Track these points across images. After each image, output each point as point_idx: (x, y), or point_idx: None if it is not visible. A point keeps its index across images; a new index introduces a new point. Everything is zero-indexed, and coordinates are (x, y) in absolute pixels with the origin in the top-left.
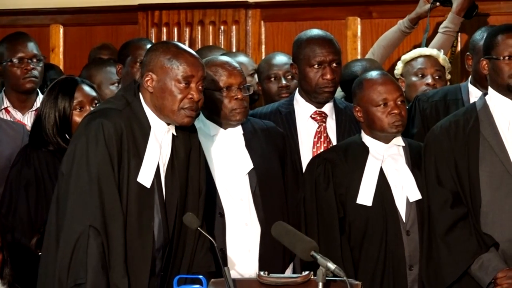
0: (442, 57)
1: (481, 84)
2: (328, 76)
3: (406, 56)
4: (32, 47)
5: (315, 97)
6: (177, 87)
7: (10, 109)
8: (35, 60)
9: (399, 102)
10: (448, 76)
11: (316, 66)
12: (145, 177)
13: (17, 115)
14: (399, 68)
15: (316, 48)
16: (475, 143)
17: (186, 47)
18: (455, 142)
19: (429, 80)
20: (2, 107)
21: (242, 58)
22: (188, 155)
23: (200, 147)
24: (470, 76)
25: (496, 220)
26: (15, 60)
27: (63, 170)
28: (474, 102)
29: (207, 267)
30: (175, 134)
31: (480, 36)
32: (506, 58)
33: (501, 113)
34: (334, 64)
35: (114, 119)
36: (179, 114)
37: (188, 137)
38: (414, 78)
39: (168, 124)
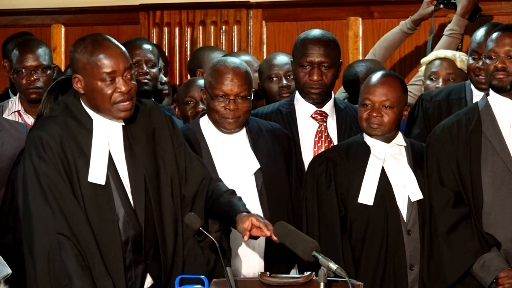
0: (459, 59)
1: (469, 76)
2: (314, 77)
3: (425, 59)
4: (38, 55)
5: (303, 96)
6: (103, 84)
7: (22, 112)
8: (40, 71)
9: (384, 106)
10: None
11: (305, 66)
12: (95, 175)
13: (29, 119)
14: (421, 70)
15: (308, 49)
16: (477, 143)
17: (105, 38)
18: (457, 142)
19: (439, 83)
20: (15, 110)
21: (246, 57)
22: (152, 137)
23: (168, 123)
24: None
25: (498, 220)
26: (22, 71)
27: (18, 192)
28: (477, 102)
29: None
30: (123, 124)
31: (477, 31)
32: (490, 57)
33: (503, 113)
34: (326, 66)
35: (50, 127)
36: (113, 109)
37: (147, 119)
38: (428, 82)
39: None
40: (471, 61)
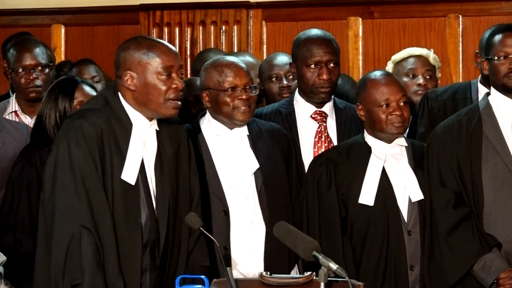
0: (432, 56)
1: (486, 82)
2: (325, 77)
3: (396, 57)
4: (36, 54)
5: (311, 97)
6: (160, 79)
7: (19, 112)
8: (39, 69)
9: (401, 103)
10: (439, 75)
11: (313, 66)
12: (128, 174)
13: (26, 119)
14: (389, 68)
15: (313, 48)
16: (478, 143)
17: (156, 38)
18: (458, 142)
19: (420, 80)
20: (12, 110)
21: (249, 58)
22: (177, 151)
23: (188, 142)
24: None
25: (498, 221)
26: (19, 70)
27: (45, 178)
28: (477, 102)
29: (202, 261)
30: (157, 129)
31: (487, 34)
32: (502, 58)
33: (503, 113)
34: (332, 65)
35: (93, 119)
36: (165, 106)
37: (175, 133)
38: (405, 79)
39: (150, 120)
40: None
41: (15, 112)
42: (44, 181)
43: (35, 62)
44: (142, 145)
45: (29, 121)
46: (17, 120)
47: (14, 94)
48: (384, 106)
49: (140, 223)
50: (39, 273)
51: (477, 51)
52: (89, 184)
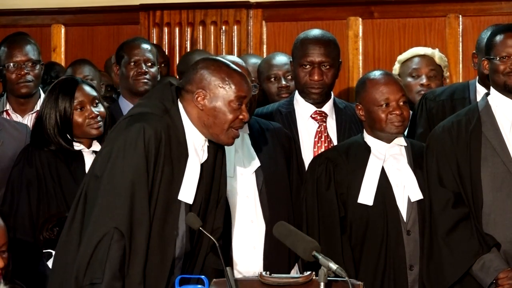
0: (438, 55)
1: (484, 83)
2: (315, 77)
3: (402, 57)
4: (28, 51)
5: (303, 96)
6: (231, 107)
7: (10, 111)
8: (30, 65)
9: (401, 103)
10: (447, 74)
11: (305, 66)
12: (187, 194)
13: (17, 118)
14: (396, 68)
15: (308, 48)
16: (477, 144)
17: (234, 66)
18: (457, 143)
19: (423, 80)
20: (3, 110)
21: (255, 60)
22: (215, 157)
23: (224, 150)
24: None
25: (497, 221)
26: (10, 65)
27: (96, 171)
28: (477, 102)
29: (215, 264)
30: (208, 144)
31: (484, 35)
32: (503, 58)
33: (503, 114)
34: (327, 66)
35: (155, 125)
36: (227, 134)
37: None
38: (409, 79)
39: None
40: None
41: (6, 111)
42: (92, 173)
43: (26, 58)
44: (199, 165)
45: (20, 119)
46: (8, 119)
47: (5, 93)
48: (384, 105)
49: (175, 236)
50: (62, 266)
51: (474, 51)
52: (136, 189)
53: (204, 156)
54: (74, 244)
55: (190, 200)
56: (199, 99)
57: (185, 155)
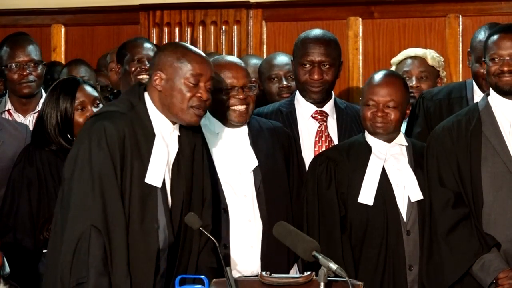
0: (430, 56)
1: (477, 81)
2: (315, 76)
3: (395, 59)
4: (30, 51)
5: (304, 96)
6: (186, 85)
7: (12, 111)
8: (32, 65)
9: (388, 107)
10: (443, 73)
11: (306, 65)
12: (153, 177)
13: (19, 117)
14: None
15: (308, 48)
16: (477, 144)
17: (194, 47)
18: (457, 143)
19: (412, 82)
20: (5, 109)
21: (256, 60)
22: (193, 152)
23: (203, 146)
24: None
25: (498, 221)
26: (12, 65)
27: (65, 174)
28: (477, 102)
29: (209, 263)
30: (179, 134)
31: (478, 34)
32: (493, 59)
33: (502, 114)
34: (327, 66)
35: (117, 122)
36: (188, 112)
37: (192, 135)
38: None
39: (174, 124)
40: (478, 67)
41: (8, 111)
42: (65, 178)
43: (28, 58)
44: (166, 149)
45: (21, 119)
46: (10, 119)
47: (7, 93)
48: (370, 106)
49: (156, 228)
50: (49, 269)
51: (469, 50)
52: (105, 185)
53: (174, 144)
54: (57, 248)
55: (158, 183)
56: (157, 81)
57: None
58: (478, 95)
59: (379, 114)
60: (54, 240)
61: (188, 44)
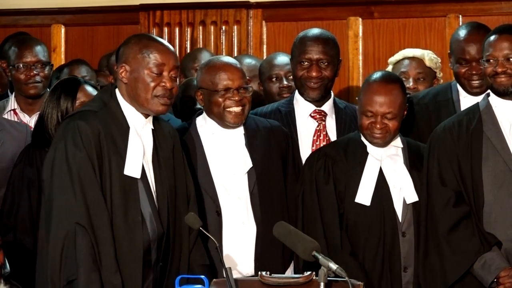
0: (428, 57)
1: (459, 82)
2: (313, 74)
3: (393, 59)
4: (37, 52)
5: (302, 94)
6: (150, 75)
7: (18, 111)
8: (39, 66)
9: (387, 117)
10: (440, 75)
11: (304, 63)
12: (132, 169)
13: (25, 117)
14: (388, 70)
15: (306, 46)
16: (478, 143)
17: (158, 37)
18: (458, 142)
19: (410, 83)
20: (11, 109)
21: (249, 60)
22: (172, 151)
23: (181, 149)
24: None
25: (498, 219)
26: (20, 66)
27: (43, 176)
28: (478, 102)
29: (201, 260)
30: (153, 128)
31: (454, 34)
32: (489, 60)
33: (502, 114)
34: (325, 63)
35: (90, 120)
36: (153, 102)
37: (168, 134)
38: None
39: (146, 117)
40: (458, 68)
41: (14, 110)
42: (44, 180)
43: (36, 59)
44: (140, 141)
45: (27, 119)
46: (16, 118)
47: (14, 93)
48: (368, 116)
49: (140, 221)
50: (39, 270)
51: (449, 51)
52: (85, 183)
53: (148, 137)
54: (45, 250)
55: (137, 174)
56: (122, 73)
57: None
58: (463, 97)
59: (378, 126)
60: (41, 243)
61: (152, 35)
